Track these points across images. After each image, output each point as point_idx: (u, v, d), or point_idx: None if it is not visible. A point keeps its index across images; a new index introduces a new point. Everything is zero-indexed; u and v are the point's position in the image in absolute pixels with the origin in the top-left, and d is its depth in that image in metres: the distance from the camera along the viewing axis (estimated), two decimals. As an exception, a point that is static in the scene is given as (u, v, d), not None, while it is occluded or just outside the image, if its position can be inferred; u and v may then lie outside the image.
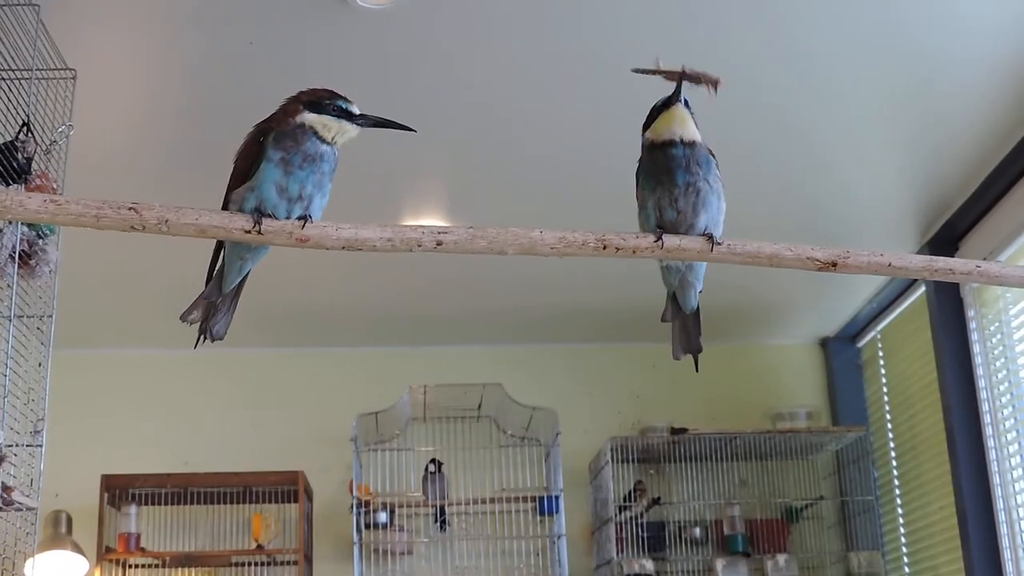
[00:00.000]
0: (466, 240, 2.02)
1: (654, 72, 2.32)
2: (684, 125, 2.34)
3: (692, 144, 2.33)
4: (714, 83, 2.25)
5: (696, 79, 2.27)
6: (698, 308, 2.55)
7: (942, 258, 2.15)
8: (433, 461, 5.85)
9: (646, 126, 2.40)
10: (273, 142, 2.16)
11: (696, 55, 3.56)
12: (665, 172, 2.31)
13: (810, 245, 2.16)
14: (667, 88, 2.36)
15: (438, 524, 5.91)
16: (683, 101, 2.34)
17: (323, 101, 2.20)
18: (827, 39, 3.58)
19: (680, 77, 2.29)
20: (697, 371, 2.64)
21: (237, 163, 2.21)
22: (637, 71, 2.33)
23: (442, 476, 5.84)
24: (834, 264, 2.13)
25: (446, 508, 5.89)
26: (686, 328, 2.56)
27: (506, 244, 2.03)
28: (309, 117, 2.19)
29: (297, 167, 2.14)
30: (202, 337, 2.38)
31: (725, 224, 2.37)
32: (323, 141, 2.18)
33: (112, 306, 5.65)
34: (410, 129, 2.29)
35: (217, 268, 2.33)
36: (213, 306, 2.35)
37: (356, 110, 2.23)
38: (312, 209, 2.16)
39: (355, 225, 2.06)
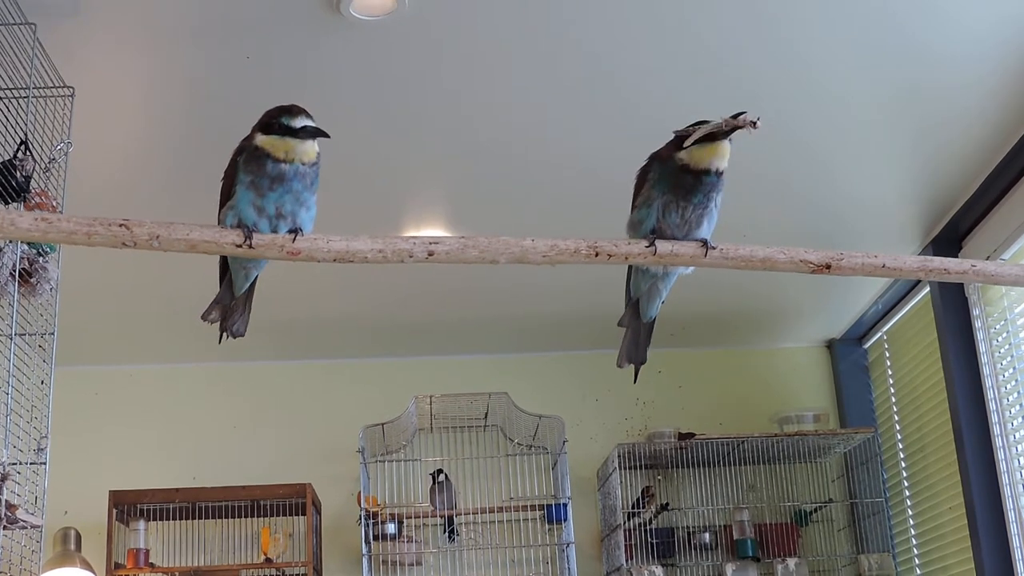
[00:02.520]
0: (457, 250, 2.02)
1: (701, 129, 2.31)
2: (723, 160, 2.36)
3: (720, 174, 2.34)
4: (754, 124, 2.26)
5: (741, 126, 2.28)
6: (654, 321, 2.55)
7: (937, 258, 2.15)
8: (439, 471, 5.85)
9: (683, 138, 2.37)
10: (243, 164, 2.18)
11: (695, 62, 3.59)
12: (687, 192, 2.32)
13: (804, 248, 2.16)
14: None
15: (447, 534, 5.91)
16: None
17: (271, 121, 2.20)
18: (825, 41, 3.57)
19: (732, 128, 2.29)
20: (635, 382, 2.66)
21: (222, 182, 2.24)
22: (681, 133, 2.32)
23: (449, 485, 5.84)
24: (828, 266, 2.13)
25: (454, 518, 5.89)
26: (637, 337, 2.57)
27: (497, 253, 2.03)
28: (260, 139, 2.19)
29: (267, 189, 2.15)
30: (224, 335, 2.44)
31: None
32: (280, 161, 2.18)
33: (115, 322, 5.66)
34: (326, 135, 2.25)
35: (226, 275, 2.38)
36: (229, 308, 2.40)
37: (299, 124, 2.20)
38: (299, 223, 2.17)
39: (346, 237, 2.06)
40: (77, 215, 1.80)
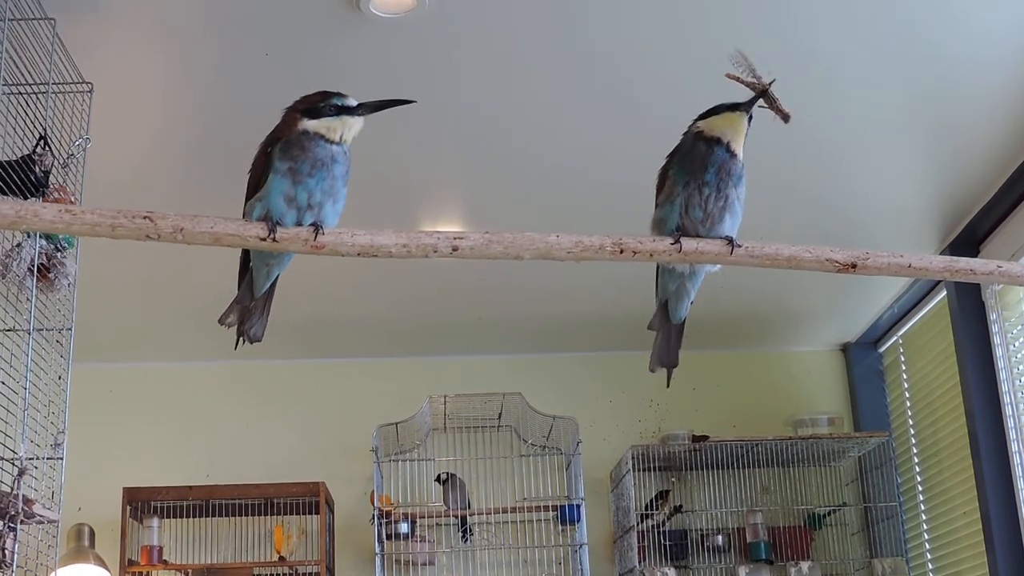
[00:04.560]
0: (482, 245, 2.01)
1: (740, 79, 2.31)
2: (737, 135, 2.35)
3: (734, 155, 2.33)
4: (785, 116, 2.27)
5: (772, 103, 2.28)
6: (684, 322, 2.54)
7: (963, 258, 2.14)
8: (446, 472, 5.83)
9: (702, 117, 2.38)
10: (280, 152, 2.17)
11: (713, 64, 3.56)
12: (701, 165, 2.31)
13: (829, 247, 2.15)
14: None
15: (461, 534, 5.90)
16: (749, 115, 2.34)
17: (318, 105, 2.21)
18: (842, 43, 3.56)
19: (760, 92, 2.29)
20: (668, 386, 2.64)
21: (250, 175, 2.23)
22: (730, 76, 2.32)
23: (461, 485, 5.83)
24: (854, 266, 2.11)
25: (467, 518, 5.87)
26: (668, 340, 2.55)
27: (522, 249, 2.01)
28: (310, 124, 2.19)
29: (306, 175, 2.14)
30: (241, 339, 2.41)
31: (743, 230, 2.36)
32: (331, 142, 2.19)
33: (131, 319, 5.67)
34: (410, 101, 2.28)
35: (246, 275, 2.36)
36: (247, 310, 2.38)
37: (353, 102, 2.22)
38: (323, 216, 2.16)
39: (370, 231, 2.05)
40: (101, 207, 1.80)
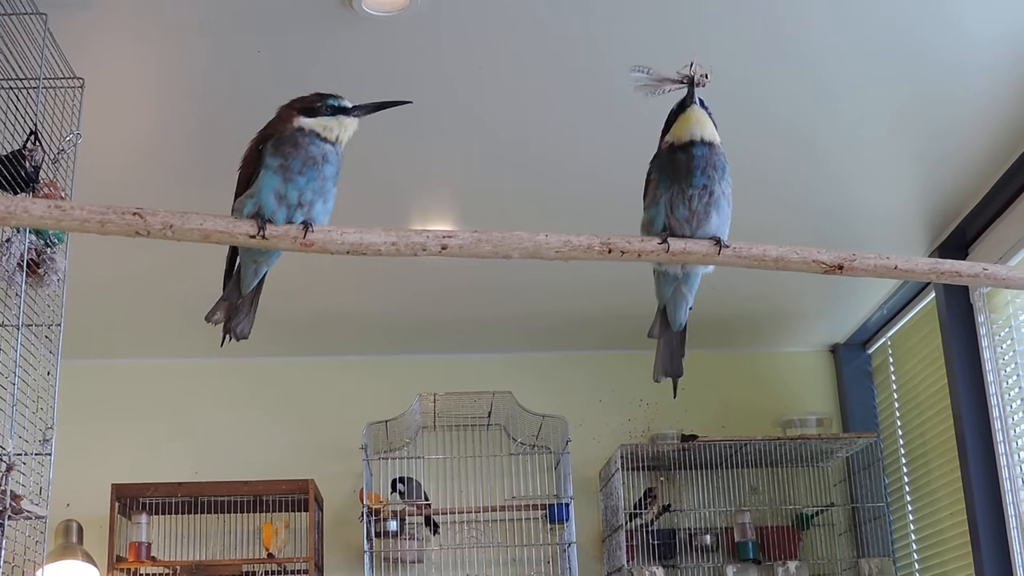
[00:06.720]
0: (471, 244, 2.01)
1: (657, 83, 2.31)
2: (703, 126, 2.33)
3: (711, 145, 2.33)
4: (702, 80, 2.26)
5: (697, 83, 2.27)
6: (685, 328, 2.54)
7: (949, 260, 2.14)
8: (401, 480, 5.82)
9: (665, 131, 2.39)
10: (272, 149, 2.17)
11: (708, 63, 3.57)
12: (684, 173, 2.31)
13: (816, 248, 2.15)
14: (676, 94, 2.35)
15: (430, 529, 5.89)
16: (698, 102, 2.34)
17: (315, 104, 2.22)
18: (834, 46, 3.57)
19: (690, 81, 2.28)
20: (675, 397, 2.64)
21: (240, 171, 2.23)
22: (638, 83, 2.30)
23: (416, 485, 5.80)
24: (840, 267, 2.12)
25: (430, 514, 5.85)
26: (671, 347, 2.55)
27: (511, 248, 2.02)
28: (306, 121, 2.20)
29: (297, 173, 2.15)
30: (227, 337, 2.41)
31: (732, 231, 2.37)
32: (326, 141, 2.19)
33: (122, 315, 5.66)
34: (406, 102, 2.30)
35: (234, 272, 2.35)
36: (234, 307, 2.37)
37: (349, 104, 2.24)
38: (314, 215, 2.16)
39: (360, 229, 2.05)
40: (90, 203, 1.80)
